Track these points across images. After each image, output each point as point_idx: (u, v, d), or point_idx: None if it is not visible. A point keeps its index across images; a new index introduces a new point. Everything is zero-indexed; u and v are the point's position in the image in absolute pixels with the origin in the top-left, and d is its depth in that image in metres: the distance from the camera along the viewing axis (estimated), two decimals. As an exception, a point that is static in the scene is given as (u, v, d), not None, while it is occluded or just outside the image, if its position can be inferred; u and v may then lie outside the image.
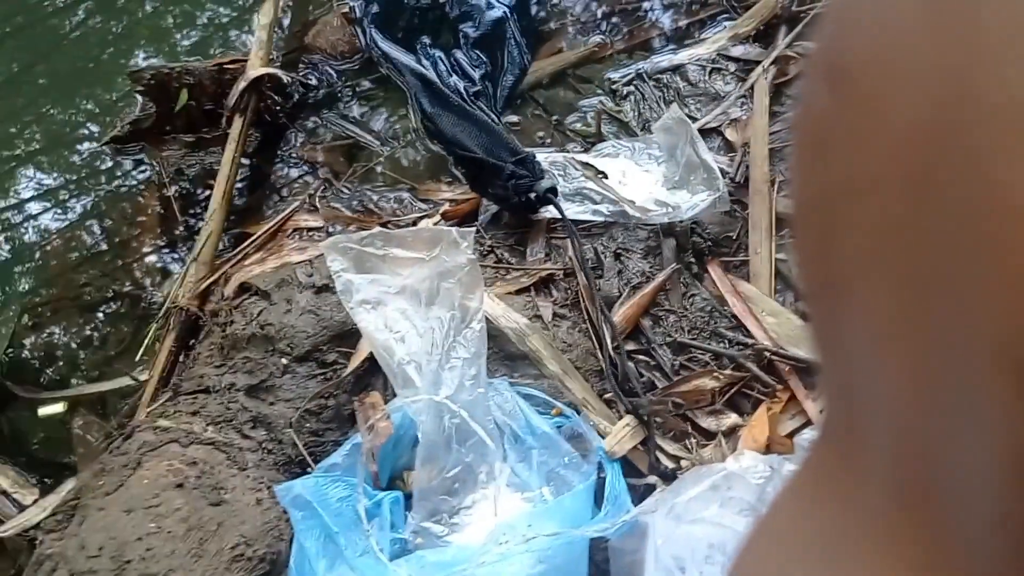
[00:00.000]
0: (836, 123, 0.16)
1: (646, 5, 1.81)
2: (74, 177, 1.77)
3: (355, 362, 1.28)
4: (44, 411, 1.51)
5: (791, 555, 0.20)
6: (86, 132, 1.84)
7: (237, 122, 1.60)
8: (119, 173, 1.74)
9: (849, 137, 0.16)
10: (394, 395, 1.23)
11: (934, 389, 0.15)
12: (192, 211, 1.66)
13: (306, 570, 1.06)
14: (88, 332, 1.59)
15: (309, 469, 1.22)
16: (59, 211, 1.73)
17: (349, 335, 1.31)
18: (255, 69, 1.62)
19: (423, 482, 1.10)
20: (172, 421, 1.23)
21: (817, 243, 0.17)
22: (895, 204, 0.14)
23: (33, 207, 1.75)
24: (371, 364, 1.28)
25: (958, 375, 0.14)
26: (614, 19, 1.81)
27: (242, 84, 1.60)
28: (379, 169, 1.64)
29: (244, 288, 1.40)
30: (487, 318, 1.21)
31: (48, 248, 1.69)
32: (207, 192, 1.63)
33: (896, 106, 0.14)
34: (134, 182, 1.72)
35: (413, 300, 1.16)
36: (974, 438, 0.14)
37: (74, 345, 1.59)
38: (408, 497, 1.13)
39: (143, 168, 1.72)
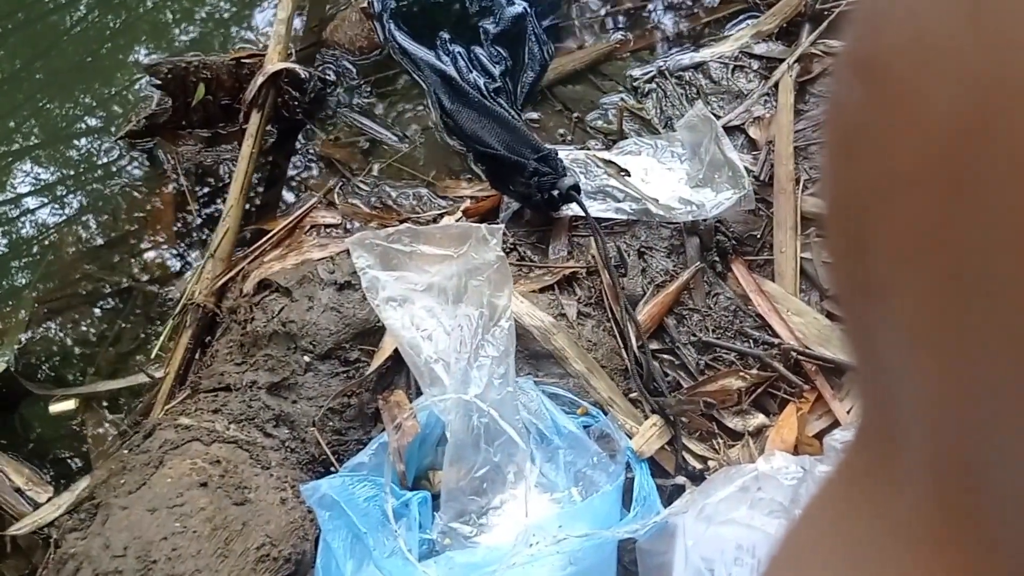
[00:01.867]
0: (869, 119, 0.16)
1: (668, 2, 1.79)
2: (85, 172, 1.76)
3: (378, 360, 1.27)
4: (55, 408, 1.50)
5: (826, 561, 0.20)
6: (93, 127, 1.82)
7: (255, 117, 1.58)
8: (134, 168, 1.72)
9: (883, 133, 0.15)
10: (418, 393, 1.21)
11: (976, 392, 0.14)
12: (208, 207, 1.65)
13: (333, 570, 1.04)
14: (102, 328, 1.57)
15: (332, 468, 1.20)
16: (70, 206, 1.72)
17: (372, 333, 1.30)
18: (273, 64, 1.60)
19: (451, 482, 1.08)
20: (193, 419, 1.21)
21: (850, 244, 0.17)
22: (932, 201, 0.14)
23: (37, 202, 1.73)
24: (394, 362, 1.27)
25: (1001, 376, 0.13)
26: (635, 16, 1.79)
27: (260, 79, 1.58)
28: (397, 165, 1.63)
29: (264, 285, 1.39)
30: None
31: (60, 243, 1.67)
32: (223, 188, 1.62)
33: (932, 100, 0.14)
34: (149, 177, 1.70)
35: (440, 297, 1.15)
36: (1016, 442, 0.13)
37: (88, 341, 1.57)
38: (435, 497, 1.12)
39: (158, 163, 1.71)
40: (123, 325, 1.57)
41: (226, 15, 1.99)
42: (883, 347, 0.17)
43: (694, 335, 1.33)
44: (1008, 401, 0.13)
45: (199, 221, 1.63)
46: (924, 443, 0.16)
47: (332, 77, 1.74)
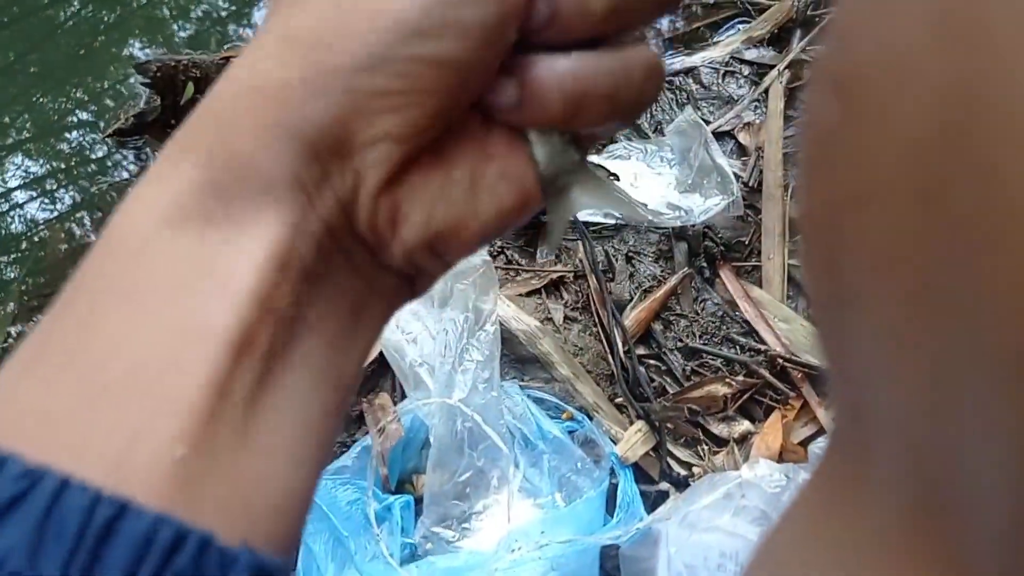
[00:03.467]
0: (842, 134, 0.16)
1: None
2: (77, 168, 1.75)
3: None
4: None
5: (801, 567, 0.20)
6: (85, 122, 1.81)
7: (244, 116, 1.57)
8: (124, 166, 1.72)
9: (855, 148, 0.15)
10: (402, 396, 1.21)
11: (948, 400, 0.14)
12: (196, 206, 1.64)
13: (314, 574, 1.04)
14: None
15: (316, 471, 1.20)
16: (61, 202, 1.71)
17: (357, 335, 1.29)
18: (263, 63, 1.60)
19: (434, 486, 1.08)
20: (177, 420, 1.20)
21: (825, 255, 0.17)
22: (903, 215, 0.14)
23: (27, 196, 1.72)
24: (378, 365, 1.26)
25: (973, 386, 0.13)
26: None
27: (249, 78, 1.57)
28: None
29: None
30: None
31: (49, 239, 1.66)
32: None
33: (902, 114, 0.14)
34: (137, 176, 1.69)
35: (425, 301, 1.15)
36: (990, 448, 0.13)
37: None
38: (418, 501, 1.12)
39: (146, 162, 1.70)
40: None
41: (223, 13, 1.98)
42: (856, 357, 0.17)
43: (681, 341, 1.33)
44: (981, 407, 0.13)
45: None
46: (897, 449, 0.16)
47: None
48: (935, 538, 0.16)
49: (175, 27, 1.96)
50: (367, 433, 1.18)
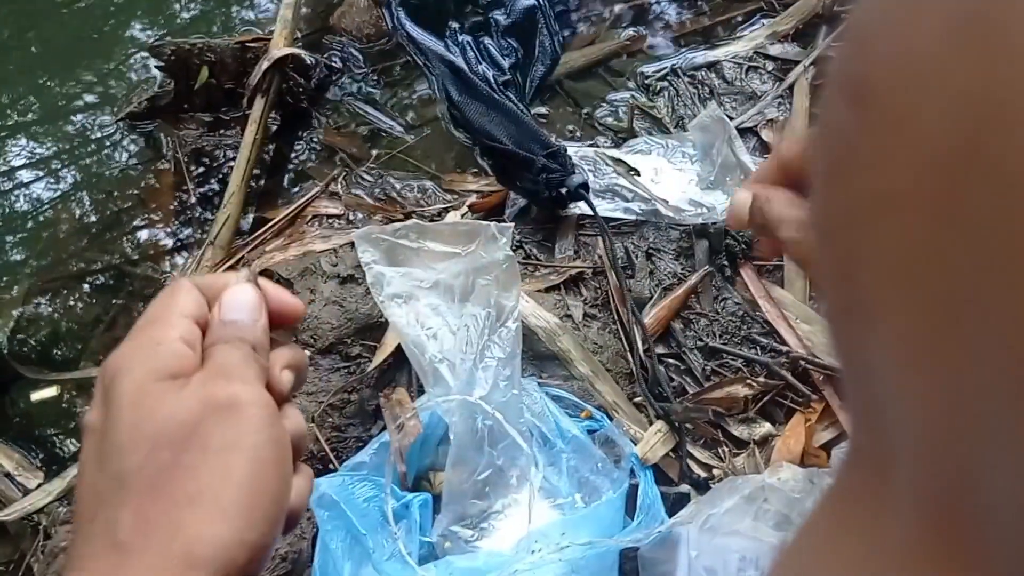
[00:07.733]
0: (859, 141, 0.16)
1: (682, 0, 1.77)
2: (85, 152, 1.72)
3: (380, 356, 1.24)
4: (37, 395, 1.47)
5: None
6: (94, 105, 1.78)
7: (258, 103, 1.55)
8: (135, 150, 1.69)
9: (872, 155, 0.15)
10: (420, 391, 1.19)
11: (965, 410, 0.14)
12: (208, 192, 1.62)
13: (331, 571, 1.02)
14: (97, 312, 1.55)
15: (331, 466, 1.18)
16: (69, 185, 1.68)
17: (374, 328, 1.27)
18: (278, 49, 1.57)
19: (453, 484, 1.06)
20: (190, 411, 1.18)
21: (840, 264, 0.17)
22: (922, 221, 0.14)
23: (32, 175, 1.70)
24: (396, 359, 1.25)
25: (991, 397, 0.13)
26: (648, 12, 1.76)
27: (265, 64, 1.55)
28: (402, 157, 1.60)
29: (265, 275, 1.36)
30: (518, 316, 1.17)
31: (57, 223, 1.64)
32: (224, 173, 1.59)
33: (921, 120, 0.14)
34: (149, 160, 1.67)
35: (446, 296, 1.13)
36: (1009, 459, 0.13)
37: (82, 323, 1.54)
38: (436, 499, 1.10)
39: (159, 146, 1.67)
40: (118, 308, 1.54)
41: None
42: (873, 368, 0.17)
43: (701, 340, 1.31)
44: (999, 423, 0.13)
45: (199, 207, 1.60)
46: (914, 464, 0.16)
47: (338, 64, 1.71)
48: (955, 550, 0.15)
49: (180, 9, 1.93)
50: (384, 428, 1.16)
